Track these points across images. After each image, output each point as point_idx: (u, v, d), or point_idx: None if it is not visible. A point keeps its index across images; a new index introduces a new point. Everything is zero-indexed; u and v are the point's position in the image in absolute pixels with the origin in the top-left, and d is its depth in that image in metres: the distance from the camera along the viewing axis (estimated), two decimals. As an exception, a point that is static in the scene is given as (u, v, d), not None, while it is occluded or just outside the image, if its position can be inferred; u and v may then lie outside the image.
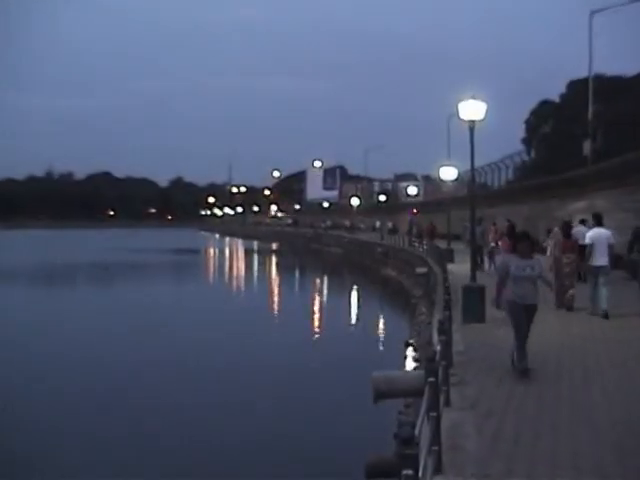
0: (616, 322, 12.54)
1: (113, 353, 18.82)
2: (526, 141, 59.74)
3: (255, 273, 52.40)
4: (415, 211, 63.21)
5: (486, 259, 23.35)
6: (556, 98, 57.65)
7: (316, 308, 30.23)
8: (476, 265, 15.35)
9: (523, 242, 9.03)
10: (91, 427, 12.17)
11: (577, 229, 16.37)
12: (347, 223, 76.49)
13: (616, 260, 14.89)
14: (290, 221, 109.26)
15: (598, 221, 13.91)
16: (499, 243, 16.10)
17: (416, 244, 37.32)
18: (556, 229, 16.03)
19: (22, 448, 11.12)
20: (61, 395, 14.34)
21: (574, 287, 14.19)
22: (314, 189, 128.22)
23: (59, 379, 15.78)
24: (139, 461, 10.60)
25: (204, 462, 10.45)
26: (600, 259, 13.18)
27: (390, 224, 59.42)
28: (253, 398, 14.06)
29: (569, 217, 21.72)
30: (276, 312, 29.31)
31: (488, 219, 27.16)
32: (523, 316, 8.61)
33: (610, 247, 13.28)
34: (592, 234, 13.53)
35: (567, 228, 14.95)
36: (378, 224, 59.37)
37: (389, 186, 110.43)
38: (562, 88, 56.16)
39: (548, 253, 15.50)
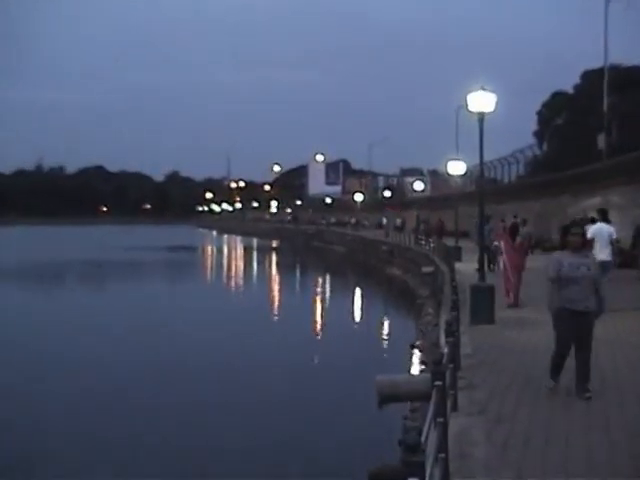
0: (628, 322, 12.52)
1: (111, 353, 18.95)
2: (538, 134, 59.71)
3: (254, 272, 52.44)
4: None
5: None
6: (570, 89, 57.64)
7: (318, 308, 30.23)
8: (484, 264, 15.37)
9: (574, 233, 7.58)
10: (90, 427, 12.33)
11: (587, 226, 16.62)
12: (352, 220, 76.41)
13: (620, 254, 15.12)
14: (289, 217, 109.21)
15: (603, 217, 14.55)
16: (501, 242, 16.28)
17: (422, 242, 37.31)
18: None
19: (21, 448, 11.29)
20: (59, 395, 14.48)
21: None
22: (316, 184, 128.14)
23: (56, 379, 15.91)
24: (138, 461, 10.74)
25: (203, 463, 10.58)
26: (600, 254, 13.41)
27: (398, 221, 59.40)
28: (253, 400, 14.14)
29: (583, 214, 21.70)
30: (277, 312, 29.31)
31: (497, 216, 27.14)
32: (569, 326, 7.47)
33: (612, 243, 13.62)
34: (593, 229, 14.06)
35: None
36: (385, 221, 59.28)
37: (394, 181, 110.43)
38: (576, 79, 56.20)
39: None
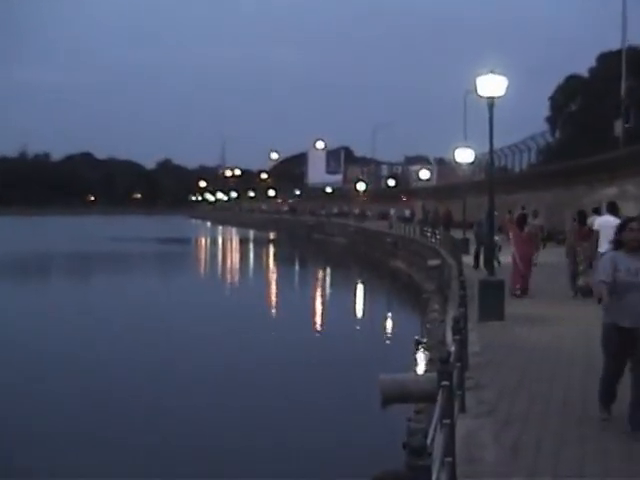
0: None
1: (107, 351, 18.97)
2: (551, 120, 59.69)
3: (251, 265, 52.49)
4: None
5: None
6: (585, 73, 57.60)
7: (318, 304, 30.28)
8: (492, 260, 15.46)
9: (633, 228, 6.43)
10: (88, 427, 12.42)
11: (593, 217, 16.95)
12: (356, 210, 76.40)
13: None
14: (286, 208, 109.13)
15: (610, 209, 14.81)
16: (510, 233, 16.64)
17: (428, 234, 37.34)
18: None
19: (20, 448, 11.39)
20: (56, 394, 14.55)
21: (587, 274, 14.53)
22: (316, 173, 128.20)
23: (50, 377, 15.95)
24: (137, 461, 10.86)
25: (202, 463, 10.68)
26: (604, 245, 13.60)
27: (408, 212, 59.32)
28: (251, 399, 14.19)
29: (598, 205, 21.76)
30: (275, 308, 29.35)
31: (504, 208, 27.13)
32: (619, 345, 6.35)
33: None
34: (599, 221, 14.36)
35: (582, 216, 15.86)
36: (393, 211, 59.31)
37: (399, 170, 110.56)
38: (592, 61, 56.13)
39: None
